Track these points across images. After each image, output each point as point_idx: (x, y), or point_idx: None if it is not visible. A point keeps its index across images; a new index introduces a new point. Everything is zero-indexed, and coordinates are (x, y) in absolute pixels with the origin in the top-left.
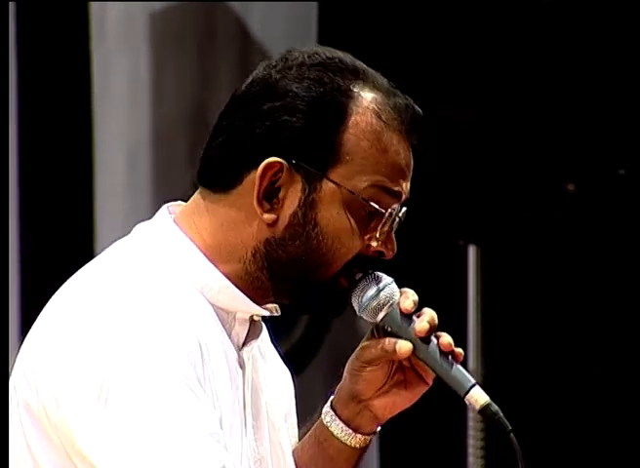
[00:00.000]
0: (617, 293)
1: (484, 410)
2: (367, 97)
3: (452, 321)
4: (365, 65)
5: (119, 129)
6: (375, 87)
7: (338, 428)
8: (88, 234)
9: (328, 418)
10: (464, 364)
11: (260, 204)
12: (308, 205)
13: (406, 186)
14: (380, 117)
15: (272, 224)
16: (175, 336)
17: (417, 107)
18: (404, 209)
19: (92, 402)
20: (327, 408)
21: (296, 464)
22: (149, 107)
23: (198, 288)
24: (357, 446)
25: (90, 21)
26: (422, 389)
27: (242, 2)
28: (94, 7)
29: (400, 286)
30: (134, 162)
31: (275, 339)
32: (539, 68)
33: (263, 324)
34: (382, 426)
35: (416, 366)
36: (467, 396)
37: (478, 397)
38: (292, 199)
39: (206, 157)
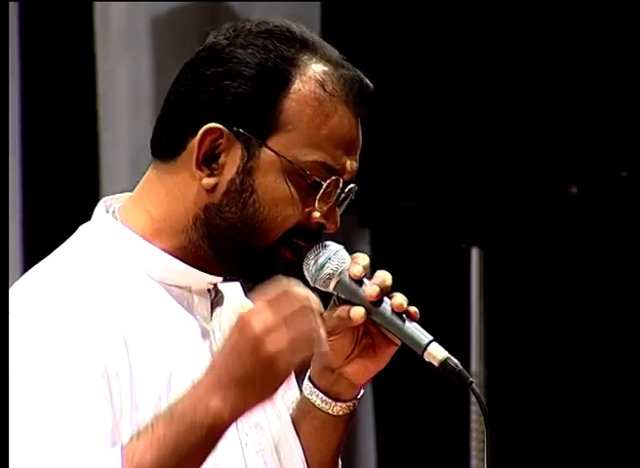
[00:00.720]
0: (619, 295)
1: (443, 365)
2: (312, 67)
3: (455, 323)
4: (317, 37)
5: (123, 131)
6: (322, 58)
7: (318, 399)
8: None
9: (308, 391)
10: (467, 365)
11: (199, 168)
12: (246, 172)
13: (350, 164)
14: (323, 87)
15: (211, 190)
16: (82, 339)
17: (366, 81)
18: (351, 185)
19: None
20: (306, 381)
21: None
22: (153, 109)
23: (144, 271)
24: (341, 413)
25: (94, 23)
26: (392, 351)
27: (243, 2)
28: (97, 11)
29: (404, 289)
30: (137, 165)
31: None
32: (540, 69)
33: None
34: (382, 420)
35: (381, 328)
36: (425, 353)
37: (436, 353)
38: (231, 165)
39: (156, 126)
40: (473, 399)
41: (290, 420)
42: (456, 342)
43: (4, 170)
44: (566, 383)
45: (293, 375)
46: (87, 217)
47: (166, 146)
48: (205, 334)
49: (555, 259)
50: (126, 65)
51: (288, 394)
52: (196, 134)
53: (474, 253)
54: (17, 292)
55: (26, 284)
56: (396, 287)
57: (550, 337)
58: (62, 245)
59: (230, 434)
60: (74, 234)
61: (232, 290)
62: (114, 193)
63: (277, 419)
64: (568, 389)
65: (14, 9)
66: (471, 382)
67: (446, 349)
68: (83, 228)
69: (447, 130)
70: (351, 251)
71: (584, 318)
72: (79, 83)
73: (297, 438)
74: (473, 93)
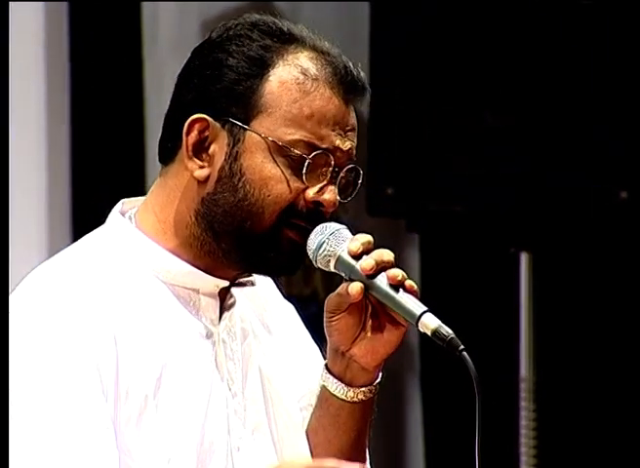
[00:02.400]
0: None
1: (436, 334)
2: (296, 55)
3: (504, 329)
4: (307, 33)
5: None
6: (308, 48)
7: (333, 385)
8: None
9: (323, 378)
10: (516, 370)
11: (190, 160)
12: (233, 157)
13: (342, 142)
14: (305, 72)
15: (205, 181)
16: (75, 337)
17: (355, 69)
18: (350, 166)
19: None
20: (322, 368)
21: (306, 431)
22: None
23: (150, 271)
24: (356, 399)
25: (142, 27)
26: (399, 332)
27: (292, 2)
28: (145, 12)
29: (452, 295)
30: None
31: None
32: (585, 74)
33: (264, 293)
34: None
35: (388, 309)
36: (419, 323)
37: (429, 322)
38: (220, 154)
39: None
40: (523, 394)
41: (300, 423)
42: (505, 348)
43: (4, 171)
44: (617, 389)
45: (312, 377)
46: None
47: (165, 151)
48: (208, 337)
49: (605, 264)
50: (175, 68)
51: (306, 396)
52: None
53: (523, 258)
54: (22, 286)
55: (32, 279)
56: (445, 292)
57: (600, 343)
58: (76, 243)
59: (220, 439)
60: (90, 233)
61: (256, 292)
62: None
63: (288, 422)
64: (619, 394)
65: (63, 9)
66: (462, 350)
67: (495, 354)
68: (99, 229)
69: (494, 134)
70: (399, 255)
71: (635, 323)
72: (127, 85)
73: (306, 442)
74: (519, 98)
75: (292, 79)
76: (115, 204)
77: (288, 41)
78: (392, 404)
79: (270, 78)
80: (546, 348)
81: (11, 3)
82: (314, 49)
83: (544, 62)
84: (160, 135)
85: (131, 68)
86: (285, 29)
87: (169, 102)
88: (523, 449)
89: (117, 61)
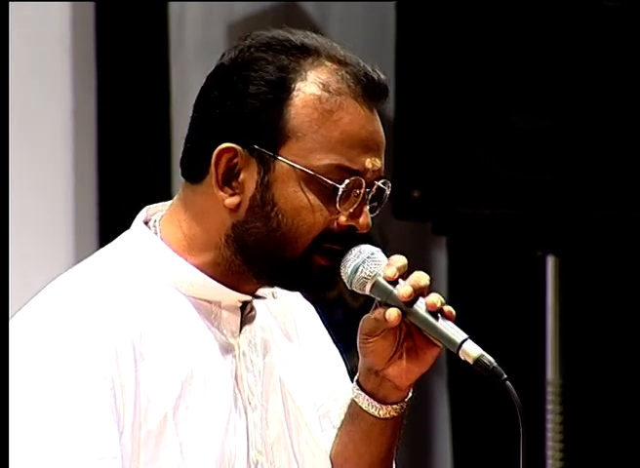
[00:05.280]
0: None
1: (478, 363)
2: (314, 71)
3: (530, 332)
4: (321, 40)
5: None
6: (325, 60)
7: (365, 402)
8: None
9: (355, 394)
10: (543, 374)
11: (221, 189)
12: (265, 186)
13: (372, 161)
14: (328, 89)
15: (235, 209)
16: (91, 353)
17: (375, 73)
18: (382, 181)
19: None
20: (353, 384)
21: (335, 445)
22: None
23: (171, 283)
24: (387, 416)
25: (169, 30)
26: (434, 353)
27: (319, 2)
28: (172, 15)
29: (479, 297)
30: None
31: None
32: (613, 77)
33: (280, 305)
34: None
35: (423, 330)
36: (460, 351)
37: (470, 351)
38: (250, 182)
39: (183, 150)
40: (550, 397)
41: (320, 437)
42: (531, 351)
43: (4, 171)
44: None
45: (331, 381)
46: None
47: (191, 171)
48: (229, 350)
49: (634, 268)
50: (200, 71)
51: (326, 403)
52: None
53: (550, 262)
54: (41, 298)
55: (51, 291)
56: (471, 294)
57: (627, 346)
58: (99, 251)
59: (240, 454)
60: (113, 242)
61: (275, 301)
62: None
63: (308, 436)
64: None
65: (89, 11)
66: (505, 379)
67: (522, 357)
68: (122, 237)
69: (522, 137)
70: (426, 258)
71: None
72: (153, 90)
73: (326, 454)
74: (549, 100)
75: (315, 98)
76: (141, 208)
77: (303, 56)
78: (420, 404)
79: (293, 101)
80: (573, 351)
81: (37, 3)
82: (331, 59)
83: (573, 65)
84: (183, 151)
85: (157, 71)
86: (298, 43)
87: (189, 125)
88: (549, 453)
89: (143, 65)
